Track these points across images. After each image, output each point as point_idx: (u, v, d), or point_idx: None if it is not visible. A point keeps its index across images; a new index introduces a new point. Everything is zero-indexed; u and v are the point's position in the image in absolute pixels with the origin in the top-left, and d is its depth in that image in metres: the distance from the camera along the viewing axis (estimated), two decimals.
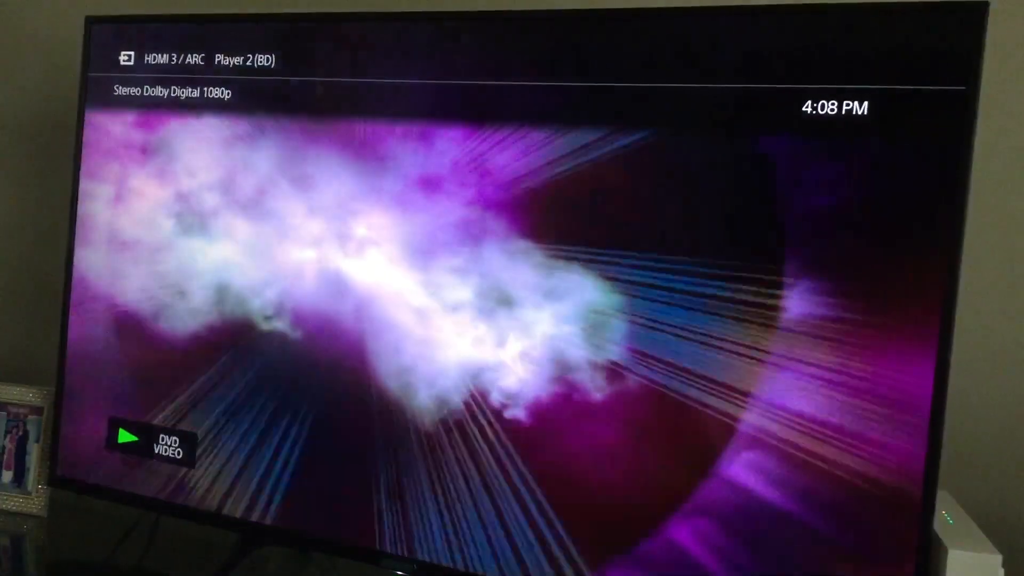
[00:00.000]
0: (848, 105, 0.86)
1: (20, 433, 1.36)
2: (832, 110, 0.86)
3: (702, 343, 0.91)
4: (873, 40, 0.86)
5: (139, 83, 1.21)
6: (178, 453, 1.18)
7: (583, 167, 0.96)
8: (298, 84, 1.11)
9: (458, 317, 1.02)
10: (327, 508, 1.09)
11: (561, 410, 0.97)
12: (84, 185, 1.24)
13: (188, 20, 1.20)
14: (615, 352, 0.95)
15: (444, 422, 1.03)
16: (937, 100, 0.83)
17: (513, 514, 1.00)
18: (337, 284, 1.08)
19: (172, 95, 1.18)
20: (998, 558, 0.86)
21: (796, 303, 0.88)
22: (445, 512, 1.03)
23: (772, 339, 0.89)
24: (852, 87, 0.86)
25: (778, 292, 0.89)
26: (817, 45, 0.88)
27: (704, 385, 0.91)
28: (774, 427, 0.88)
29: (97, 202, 1.23)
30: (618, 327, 0.95)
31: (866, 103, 0.85)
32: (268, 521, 1.12)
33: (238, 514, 1.14)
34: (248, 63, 1.14)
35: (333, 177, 1.08)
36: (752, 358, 0.89)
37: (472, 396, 1.01)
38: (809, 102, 0.87)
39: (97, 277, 1.23)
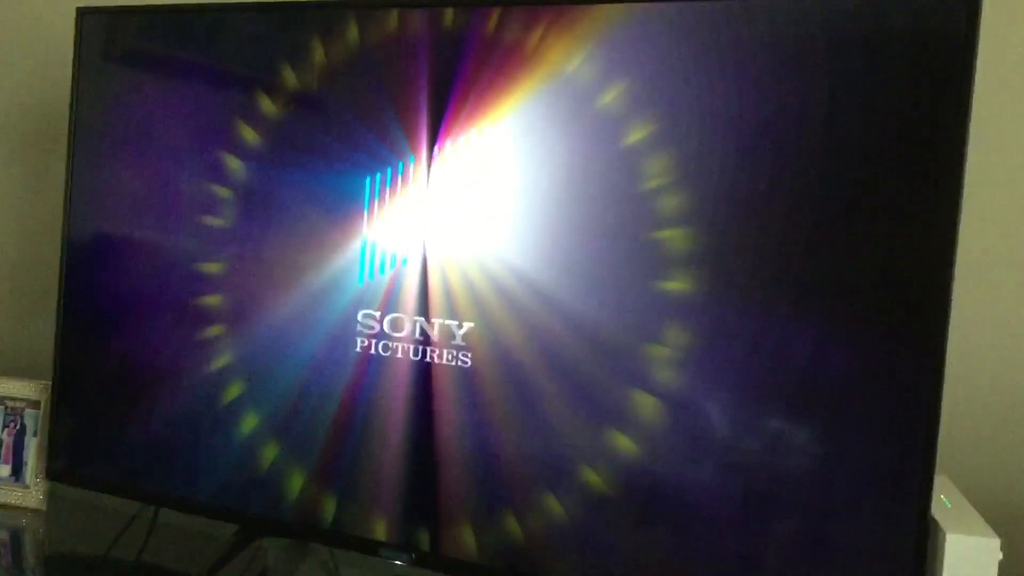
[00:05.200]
0: None
1: (18, 427, 1.35)
2: None
3: None
4: None
5: (132, 75, 1.20)
6: (176, 445, 1.17)
7: None
8: (294, 76, 1.10)
9: None
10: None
11: None
12: (78, 177, 1.23)
13: (180, 11, 1.19)
14: None
15: None
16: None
17: None
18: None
19: (166, 87, 1.17)
20: (996, 542, 0.86)
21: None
22: None
23: None
24: None
25: None
26: None
27: None
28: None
29: (92, 194, 1.23)
30: None
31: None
32: (267, 512, 1.12)
33: (237, 506, 1.14)
34: (242, 53, 1.13)
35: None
36: None
37: None
38: None
39: (92, 269, 1.23)
